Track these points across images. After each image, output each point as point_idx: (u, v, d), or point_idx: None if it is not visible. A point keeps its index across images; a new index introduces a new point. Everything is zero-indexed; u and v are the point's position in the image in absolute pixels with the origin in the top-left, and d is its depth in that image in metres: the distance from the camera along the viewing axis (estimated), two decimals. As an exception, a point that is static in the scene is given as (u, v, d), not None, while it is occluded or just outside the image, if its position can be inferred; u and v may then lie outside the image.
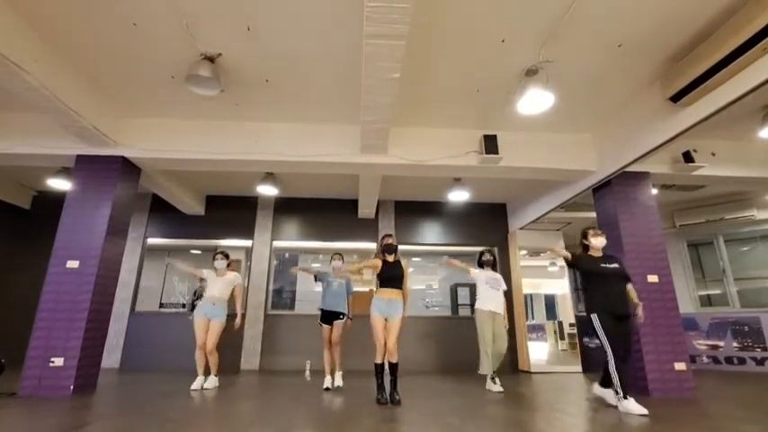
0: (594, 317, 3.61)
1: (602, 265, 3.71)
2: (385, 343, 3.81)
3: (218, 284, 4.69)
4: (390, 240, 4.09)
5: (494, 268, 5.00)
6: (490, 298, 4.75)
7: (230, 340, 6.62)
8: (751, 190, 6.67)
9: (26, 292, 6.04)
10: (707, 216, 7.28)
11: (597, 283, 3.69)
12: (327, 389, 4.42)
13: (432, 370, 6.65)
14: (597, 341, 3.65)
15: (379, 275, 4.03)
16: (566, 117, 4.76)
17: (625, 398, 3.39)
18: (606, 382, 3.66)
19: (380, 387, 3.78)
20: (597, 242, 3.82)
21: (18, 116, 4.77)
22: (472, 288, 7.92)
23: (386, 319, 3.87)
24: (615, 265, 3.73)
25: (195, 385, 4.43)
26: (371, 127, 4.29)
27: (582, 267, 3.81)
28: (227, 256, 4.83)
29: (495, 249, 5.23)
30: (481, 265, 4.98)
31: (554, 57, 3.68)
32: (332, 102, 4.52)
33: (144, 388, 4.51)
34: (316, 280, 4.89)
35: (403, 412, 3.31)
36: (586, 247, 3.87)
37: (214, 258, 4.77)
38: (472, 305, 7.76)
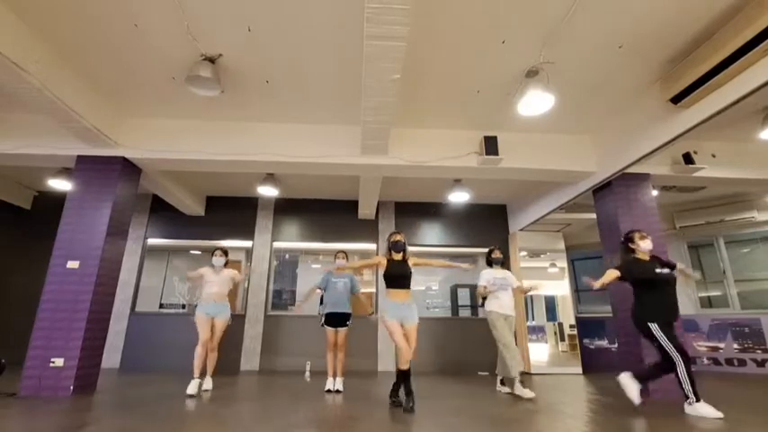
0: (655, 326, 3.42)
1: (657, 270, 3.54)
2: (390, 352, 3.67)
3: (217, 281, 4.57)
4: (398, 237, 3.84)
5: (503, 266, 4.79)
6: (499, 299, 4.55)
7: (230, 340, 6.64)
8: (751, 191, 6.66)
9: (27, 293, 6.04)
10: (707, 218, 7.28)
11: (652, 289, 3.51)
12: (329, 391, 4.35)
13: (432, 371, 6.64)
14: (656, 346, 3.49)
15: (385, 275, 3.76)
16: (566, 118, 4.77)
17: (698, 401, 3.28)
18: (641, 377, 3.55)
19: (395, 392, 3.66)
20: (645, 245, 3.65)
21: (19, 117, 4.78)
22: (472, 289, 7.94)
23: (401, 324, 3.57)
24: (667, 270, 3.57)
25: (191, 389, 4.10)
26: (372, 128, 4.30)
27: (635, 274, 3.60)
28: (225, 253, 4.70)
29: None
30: (490, 263, 4.79)
31: (554, 58, 3.68)
32: (332, 102, 4.53)
33: (144, 389, 4.51)
34: (323, 289, 4.70)
35: (402, 413, 3.30)
36: (632, 251, 3.71)
37: (213, 255, 4.65)
38: (473, 306, 7.83)
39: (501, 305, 4.51)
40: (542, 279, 7.42)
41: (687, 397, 3.31)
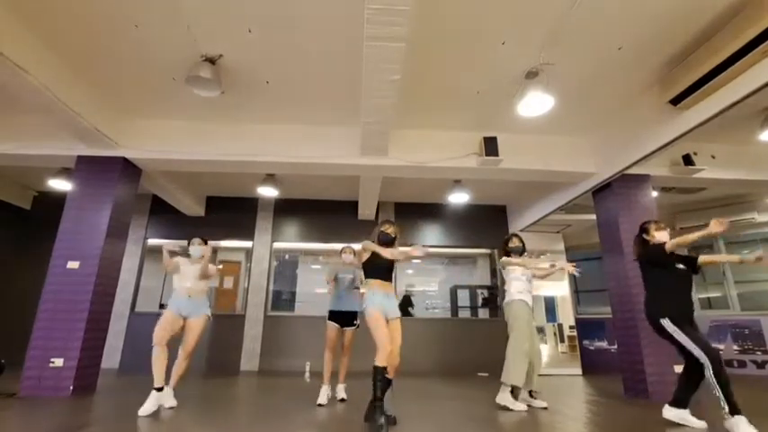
0: (667, 322, 3.04)
1: (677, 265, 3.24)
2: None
3: (193, 273, 3.76)
4: (389, 230, 3.33)
5: (522, 255, 4.19)
6: (523, 291, 3.94)
7: (230, 341, 6.64)
8: (751, 193, 6.66)
9: (26, 293, 6.03)
10: (707, 219, 7.18)
11: (669, 283, 3.19)
12: (321, 405, 3.68)
13: (431, 372, 6.63)
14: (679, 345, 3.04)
15: (365, 264, 3.28)
16: (566, 119, 4.77)
17: (732, 414, 2.72)
18: (678, 401, 3.11)
19: (380, 400, 2.84)
20: (662, 236, 3.32)
21: (19, 117, 4.77)
22: (472, 290, 7.96)
23: (386, 320, 3.09)
24: (683, 267, 3.25)
25: (147, 407, 3.22)
26: (372, 129, 4.30)
27: (656, 259, 3.25)
28: (205, 242, 3.97)
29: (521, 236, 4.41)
30: (508, 253, 4.16)
31: (554, 59, 3.68)
32: (332, 103, 4.53)
33: (143, 389, 4.47)
34: (334, 279, 4.17)
35: (402, 415, 3.29)
36: (646, 242, 3.41)
37: (189, 244, 3.90)
38: (473, 307, 7.84)
39: (523, 296, 3.93)
40: (542, 280, 7.42)
41: (722, 408, 2.77)
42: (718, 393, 2.77)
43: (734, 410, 2.73)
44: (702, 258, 3.29)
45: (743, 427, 2.66)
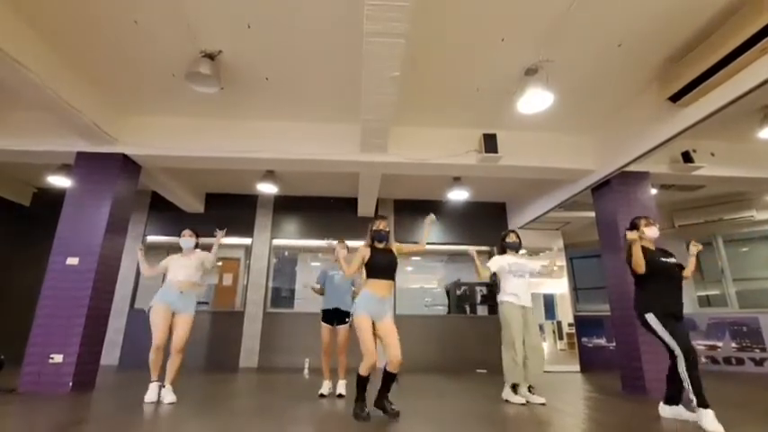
0: (651, 316, 3.12)
1: (662, 259, 3.25)
2: (379, 351, 3.01)
3: (185, 266, 3.73)
4: (381, 226, 3.32)
5: (518, 251, 4.17)
6: (515, 288, 3.93)
7: (230, 338, 6.65)
8: (750, 190, 6.67)
9: (26, 289, 6.03)
10: (706, 217, 7.28)
11: (656, 279, 3.21)
12: (322, 395, 3.86)
13: (429, 368, 6.64)
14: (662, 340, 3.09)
15: (367, 265, 3.25)
16: (565, 116, 4.77)
17: (703, 406, 2.78)
18: (669, 399, 3.17)
19: (362, 400, 3.04)
20: (651, 233, 3.34)
21: (19, 113, 4.77)
22: (471, 288, 7.96)
23: (373, 322, 3.09)
24: (673, 260, 3.28)
25: (150, 395, 3.46)
26: (371, 126, 4.30)
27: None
28: (196, 235, 3.93)
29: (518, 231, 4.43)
30: (504, 249, 4.15)
31: (554, 56, 3.68)
32: (332, 100, 4.53)
33: (143, 386, 4.49)
34: (320, 282, 4.28)
35: (403, 411, 3.28)
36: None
37: (181, 236, 3.90)
38: (472, 304, 7.84)
39: (516, 295, 3.92)
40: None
41: (691, 399, 2.85)
42: (687, 386, 2.86)
43: (702, 404, 2.79)
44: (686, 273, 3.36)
45: (709, 421, 2.71)
